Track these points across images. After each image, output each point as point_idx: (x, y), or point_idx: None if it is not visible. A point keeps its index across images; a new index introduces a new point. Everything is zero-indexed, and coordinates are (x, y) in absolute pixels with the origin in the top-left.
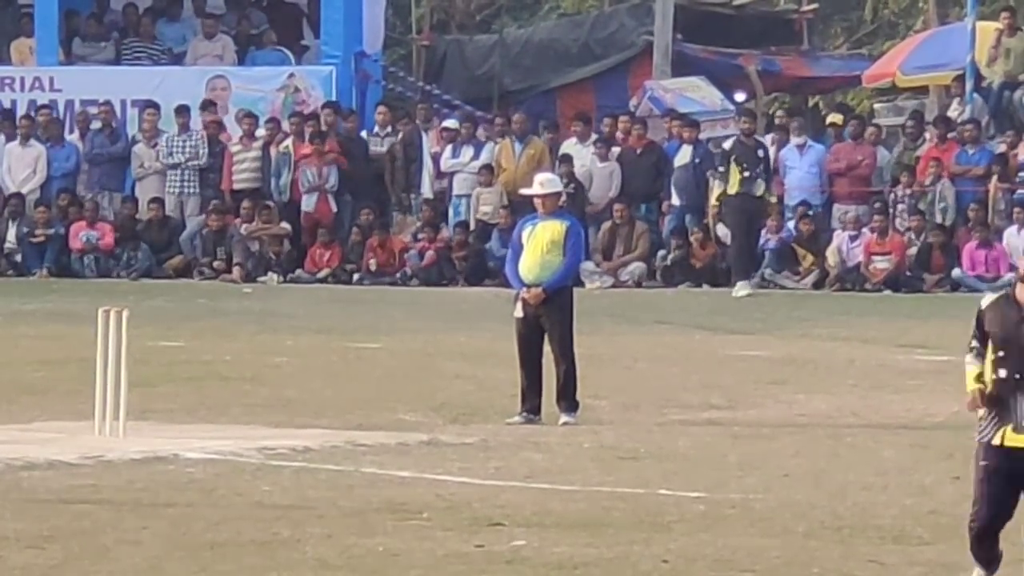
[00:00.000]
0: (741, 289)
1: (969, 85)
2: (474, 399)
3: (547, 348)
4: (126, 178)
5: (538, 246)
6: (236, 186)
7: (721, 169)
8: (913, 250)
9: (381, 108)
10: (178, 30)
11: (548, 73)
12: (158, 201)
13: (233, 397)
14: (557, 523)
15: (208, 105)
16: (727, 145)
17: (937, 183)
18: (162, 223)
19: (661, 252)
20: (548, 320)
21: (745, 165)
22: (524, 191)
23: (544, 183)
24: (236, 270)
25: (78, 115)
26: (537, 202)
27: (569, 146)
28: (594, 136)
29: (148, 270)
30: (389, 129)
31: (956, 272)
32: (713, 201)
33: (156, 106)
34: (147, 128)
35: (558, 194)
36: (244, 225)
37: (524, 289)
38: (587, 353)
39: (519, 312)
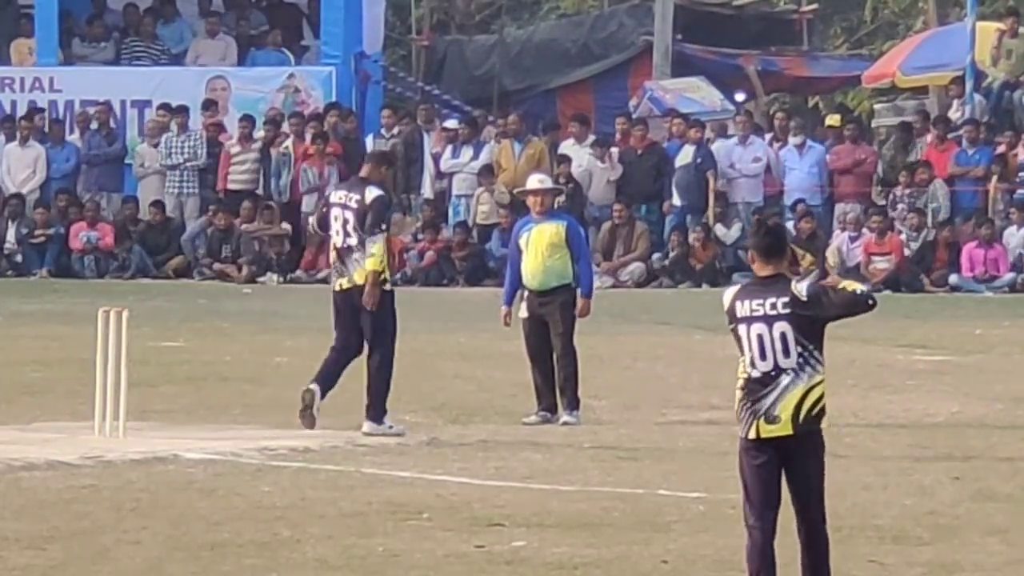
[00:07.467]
0: None
1: (969, 85)
2: (474, 399)
3: None
4: (123, 179)
5: (538, 251)
6: (231, 186)
7: None
8: (914, 247)
9: (386, 111)
10: (177, 30)
11: (548, 73)
12: (158, 204)
13: (233, 397)
14: (557, 523)
15: (209, 105)
16: None
17: (930, 184)
18: (161, 226)
19: (660, 252)
20: (551, 318)
21: None
22: (521, 190)
23: (543, 180)
24: (244, 268)
25: (78, 115)
26: (533, 201)
27: (567, 147)
28: (592, 137)
29: (142, 271)
30: (395, 131)
31: (953, 278)
32: None
33: (167, 107)
34: (151, 128)
35: (555, 192)
36: (244, 225)
37: (522, 292)
38: (587, 353)
39: (524, 313)
